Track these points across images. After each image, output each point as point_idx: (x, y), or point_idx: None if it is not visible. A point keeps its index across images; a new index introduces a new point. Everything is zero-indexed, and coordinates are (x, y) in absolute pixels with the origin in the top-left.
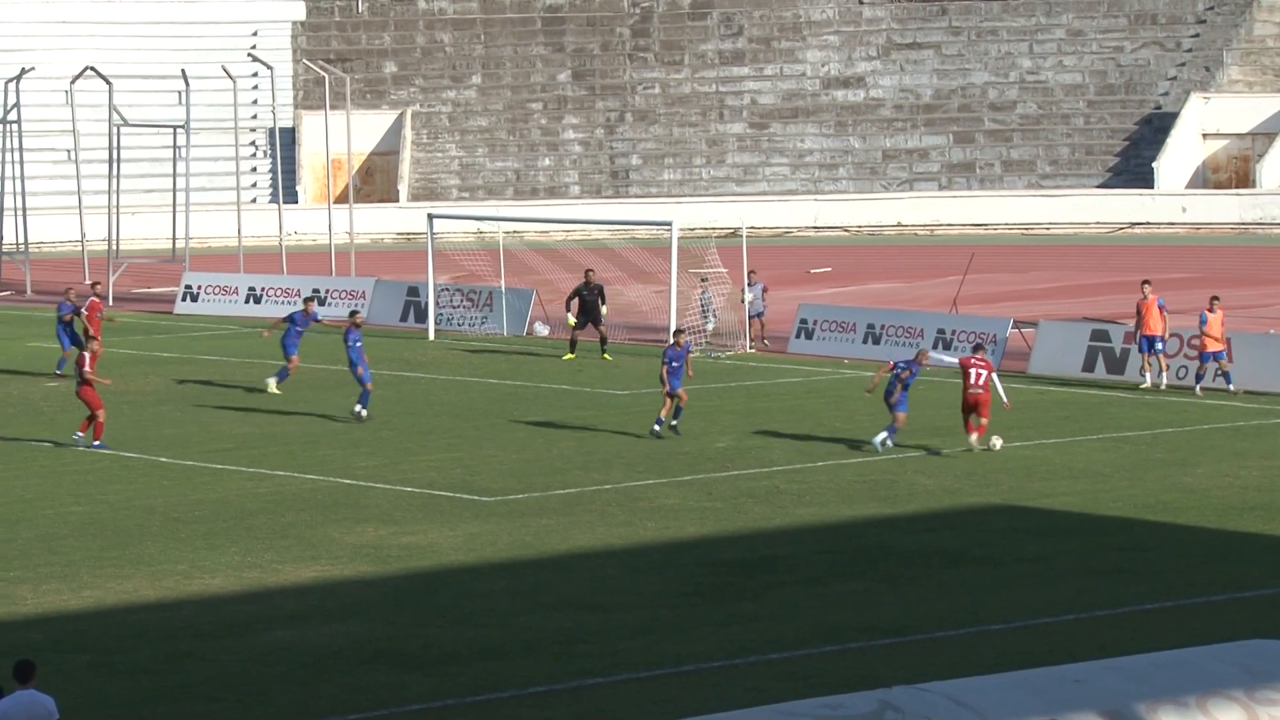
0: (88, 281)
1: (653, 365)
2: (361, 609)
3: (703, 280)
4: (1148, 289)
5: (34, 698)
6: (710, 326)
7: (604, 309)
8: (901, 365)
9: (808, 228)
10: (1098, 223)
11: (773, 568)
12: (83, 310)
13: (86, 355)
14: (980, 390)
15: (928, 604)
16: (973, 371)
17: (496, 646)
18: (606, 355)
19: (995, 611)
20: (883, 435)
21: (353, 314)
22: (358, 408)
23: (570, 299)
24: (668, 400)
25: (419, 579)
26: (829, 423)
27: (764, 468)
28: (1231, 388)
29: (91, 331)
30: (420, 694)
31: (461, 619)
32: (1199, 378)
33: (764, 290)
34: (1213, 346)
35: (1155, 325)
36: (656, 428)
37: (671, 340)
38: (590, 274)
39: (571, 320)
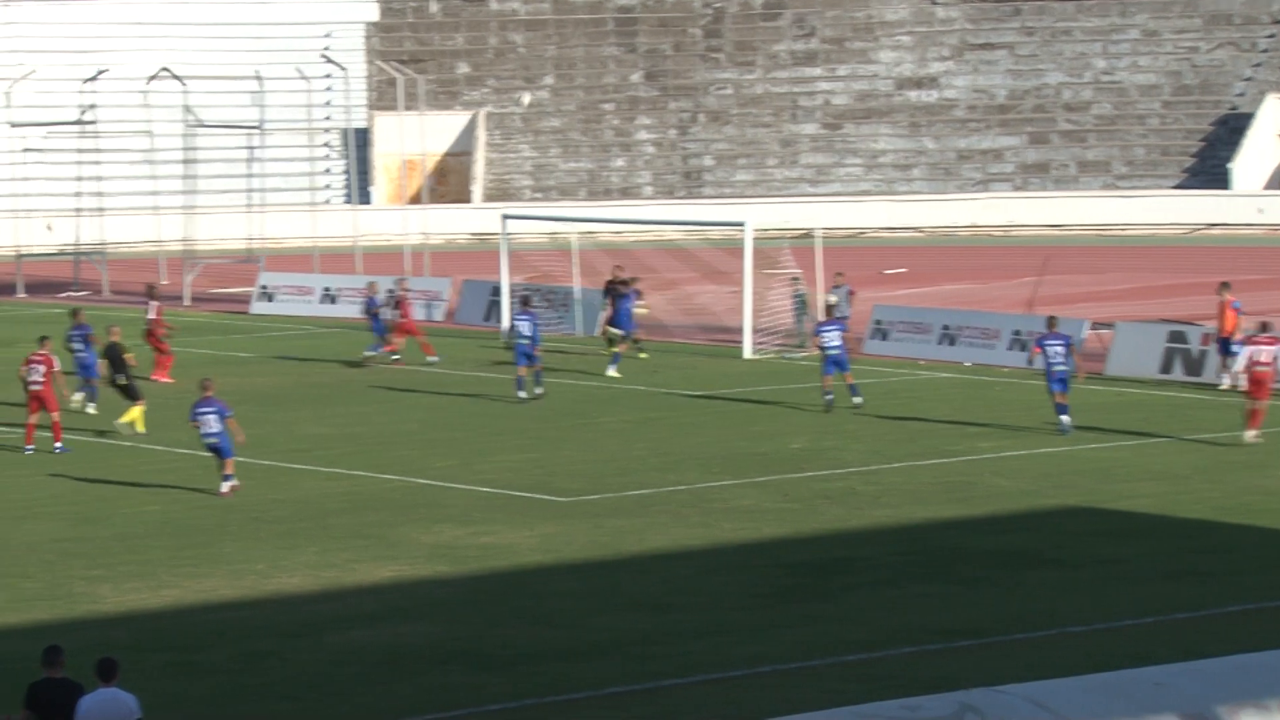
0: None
1: (728, 366)
2: (438, 609)
3: (794, 280)
4: (1226, 291)
5: (116, 696)
6: (803, 326)
7: (637, 307)
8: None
9: (881, 229)
10: (1173, 224)
11: (848, 569)
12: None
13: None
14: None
15: (1005, 606)
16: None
17: (572, 647)
18: (614, 348)
19: (1074, 613)
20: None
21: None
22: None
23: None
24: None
25: (495, 579)
26: (904, 424)
27: (839, 469)
28: None
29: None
30: (496, 694)
31: (537, 619)
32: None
33: (850, 294)
34: None
35: (1228, 326)
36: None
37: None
38: (618, 270)
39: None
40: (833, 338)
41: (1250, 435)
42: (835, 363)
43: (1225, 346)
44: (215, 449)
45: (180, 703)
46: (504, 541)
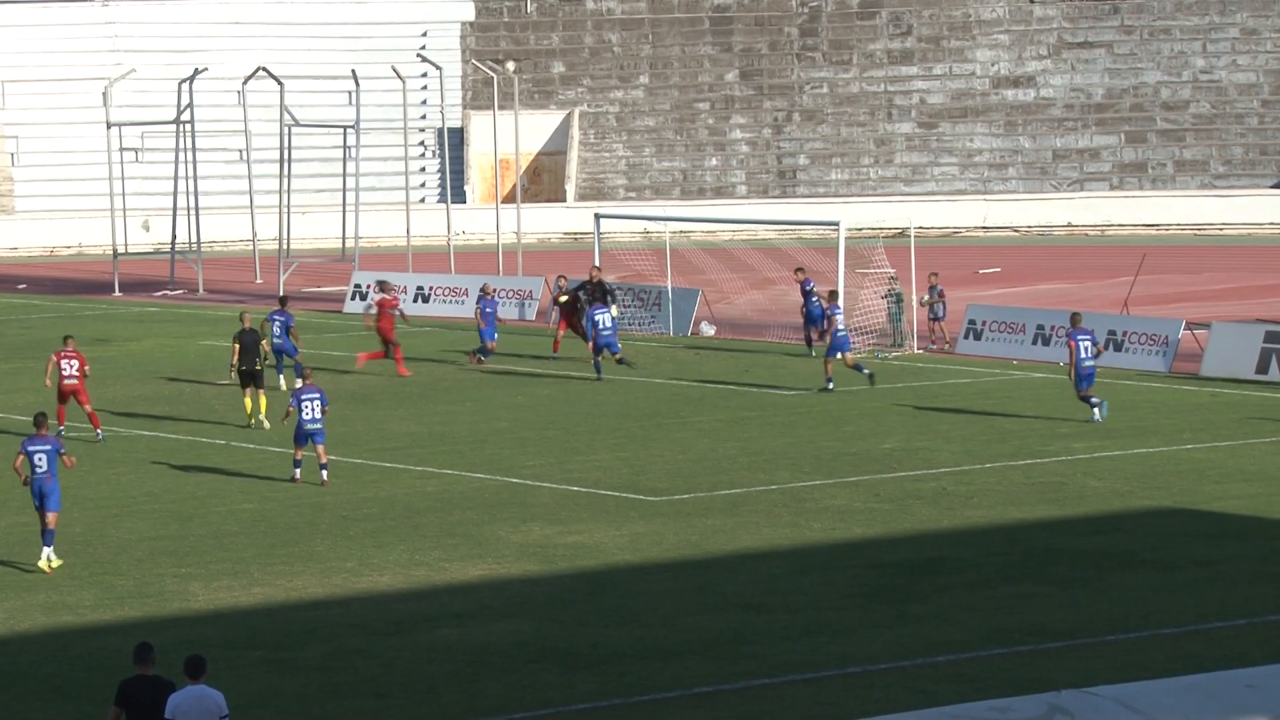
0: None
1: (820, 366)
2: (528, 608)
3: (891, 279)
4: None
5: (204, 693)
6: (900, 325)
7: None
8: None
9: (976, 228)
10: (1271, 223)
11: (940, 570)
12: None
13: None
14: None
15: (1097, 607)
16: None
17: (662, 647)
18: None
19: (1166, 615)
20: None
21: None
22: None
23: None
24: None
25: (585, 578)
26: (997, 424)
27: (931, 469)
28: None
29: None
30: (586, 693)
31: (627, 619)
32: None
33: (941, 294)
34: None
35: None
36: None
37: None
38: (595, 271)
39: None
40: (837, 321)
41: None
42: (836, 347)
43: None
44: (314, 434)
45: (271, 700)
46: (593, 540)
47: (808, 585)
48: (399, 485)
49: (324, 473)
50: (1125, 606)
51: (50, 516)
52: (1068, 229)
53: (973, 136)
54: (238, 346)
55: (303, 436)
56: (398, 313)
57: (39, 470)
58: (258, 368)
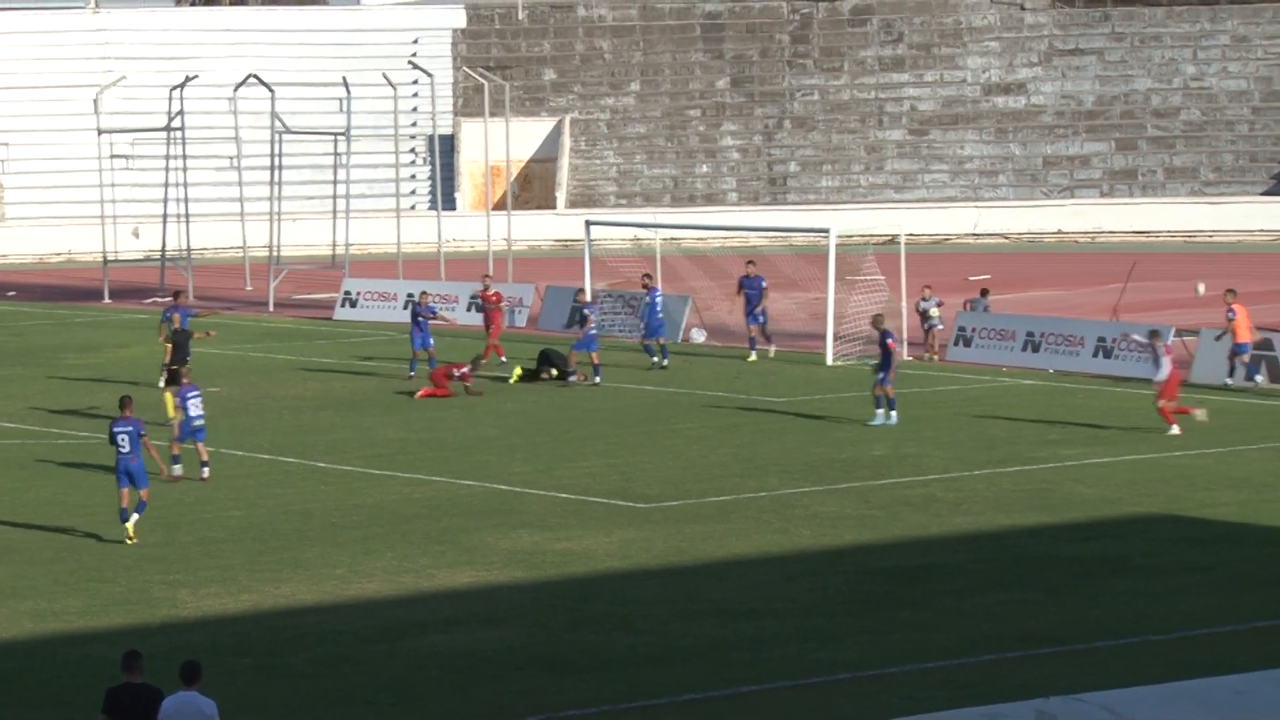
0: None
1: (810, 373)
2: (516, 614)
3: (926, 287)
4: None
5: (194, 700)
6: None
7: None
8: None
9: (967, 235)
10: (1262, 230)
11: (929, 576)
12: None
13: None
14: None
15: (1087, 613)
16: None
17: (651, 653)
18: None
19: (1155, 621)
20: None
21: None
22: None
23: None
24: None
25: (574, 585)
26: (987, 431)
27: (921, 475)
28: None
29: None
30: (575, 700)
31: (616, 625)
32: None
33: (939, 304)
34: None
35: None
36: None
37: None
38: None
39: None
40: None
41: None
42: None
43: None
44: (196, 432)
45: (259, 707)
46: (582, 547)
47: (797, 592)
48: (387, 492)
49: (205, 470)
50: (1114, 613)
51: (142, 492)
52: (1058, 236)
53: (963, 143)
54: (170, 346)
55: (186, 434)
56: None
57: (123, 451)
58: (188, 366)
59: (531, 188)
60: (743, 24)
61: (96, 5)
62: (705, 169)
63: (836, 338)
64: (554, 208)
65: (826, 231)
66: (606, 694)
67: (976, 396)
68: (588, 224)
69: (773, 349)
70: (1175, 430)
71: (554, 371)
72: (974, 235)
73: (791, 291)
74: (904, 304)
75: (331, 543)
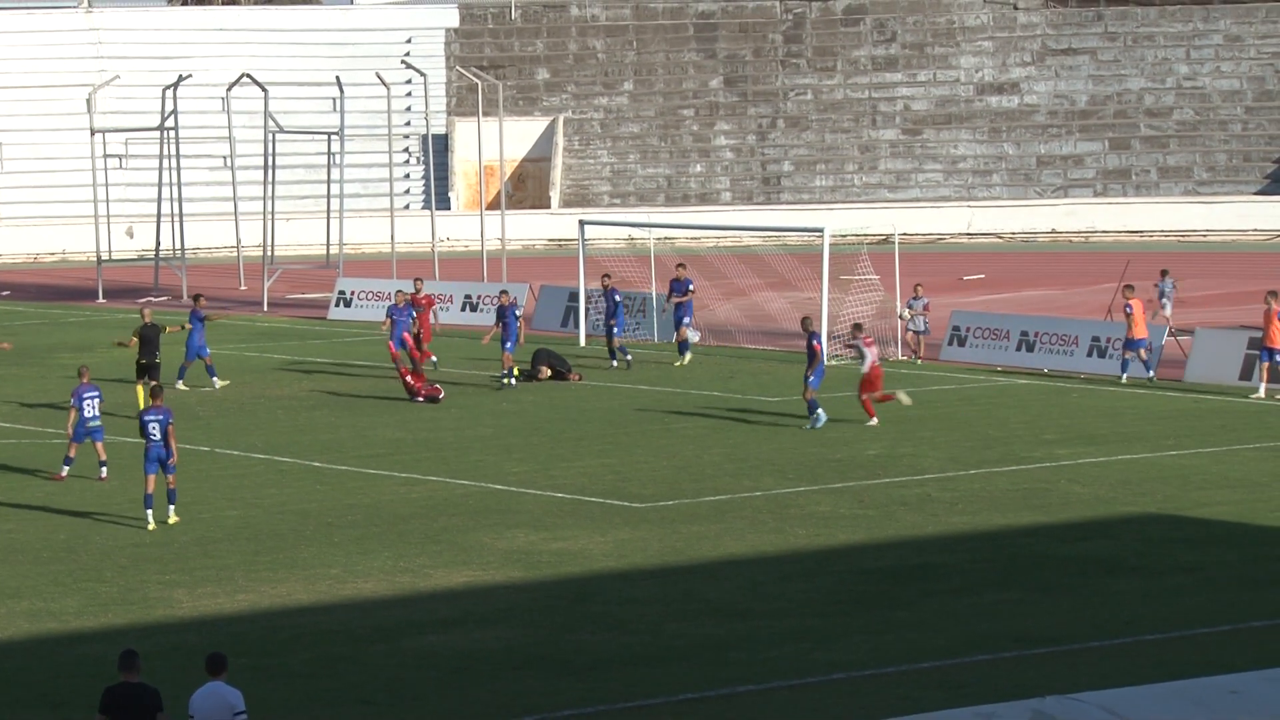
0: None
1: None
2: (513, 614)
3: (918, 286)
4: (1273, 299)
5: (218, 689)
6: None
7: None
8: None
9: (961, 234)
10: (1255, 230)
11: (925, 576)
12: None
13: None
14: None
15: (1082, 613)
16: None
17: (647, 653)
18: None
19: (1151, 621)
20: None
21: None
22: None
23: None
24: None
25: (570, 585)
26: (981, 430)
27: (916, 475)
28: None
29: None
30: (571, 700)
31: (612, 625)
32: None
33: (925, 307)
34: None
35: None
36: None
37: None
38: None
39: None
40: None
41: None
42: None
43: (1270, 355)
44: (94, 432)
45: (256, 707)
46: (578, 547)
47: (792, 591)
48: (384, 492)
49: (103, 469)
50: (1110, 612)
51: (170, 479)
52: (1052, 235)
53: (957, 143)
54: (136, 340)
55: (82, 435)
56: (433, 313)
57: (154, 438)
58: (156, 360)
59: (525, 187)
60: (736, 23)
61: (90, 5)
62: (699, 168)
63: (831, 337)
64: (548, 207)
65: (820, 231)
66: (602, 694)
67: (971, 396)
68: (582, 224)
69: (688, 357)
70: (874, 422)
71: (548, 372)
72: (968, 235)
73: (786, 291)
74: (898, 304)
75: (328, 542)
